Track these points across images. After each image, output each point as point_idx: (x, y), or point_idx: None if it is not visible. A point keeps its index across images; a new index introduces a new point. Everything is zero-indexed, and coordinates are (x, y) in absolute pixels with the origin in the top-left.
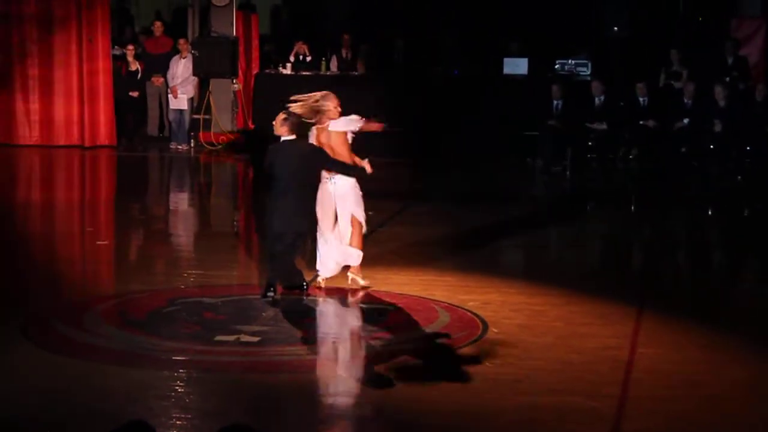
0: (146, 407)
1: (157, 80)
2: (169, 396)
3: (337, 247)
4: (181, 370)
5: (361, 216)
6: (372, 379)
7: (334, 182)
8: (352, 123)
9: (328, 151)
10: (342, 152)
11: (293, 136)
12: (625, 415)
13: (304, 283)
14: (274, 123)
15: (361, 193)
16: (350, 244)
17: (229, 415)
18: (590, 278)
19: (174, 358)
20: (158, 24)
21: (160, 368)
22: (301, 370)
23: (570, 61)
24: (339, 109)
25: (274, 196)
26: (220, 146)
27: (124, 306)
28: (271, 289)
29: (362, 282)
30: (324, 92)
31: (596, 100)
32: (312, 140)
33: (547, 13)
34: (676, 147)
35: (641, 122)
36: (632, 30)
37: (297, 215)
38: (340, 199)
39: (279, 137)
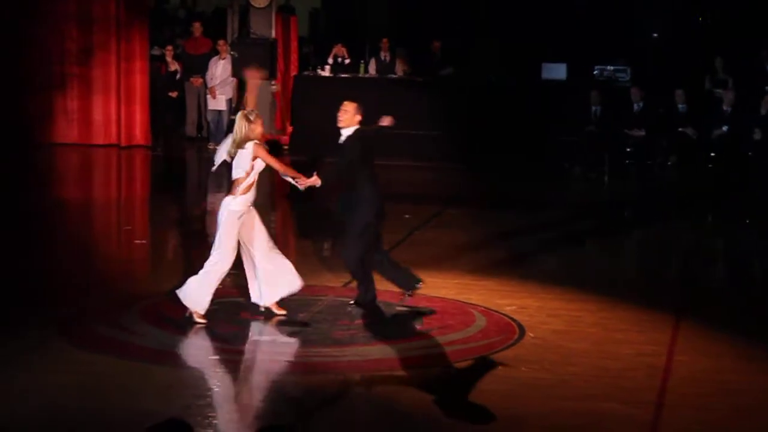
0: (184, 405)
1: (196, 81)
2: (206, 395)
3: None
4: (218, 370)
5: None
6: (408, 381)
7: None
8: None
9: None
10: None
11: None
12: (661, 422)
13: (417, 282)
14: (341, 114)
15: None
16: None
17: (265, 414)
18: (627, 285)
19: (211, 357)
20: (197, 25)
21: (198, 367)
22: (337, 370)
23: (609, 67)
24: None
25: (364, 182)
26: None
27: (161, 305)
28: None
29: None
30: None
31: (635, 106)
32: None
33: (587, 18)
34: (715, 155)
35: (680, 129)
36: (671, 36)
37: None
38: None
39: (341, 131)
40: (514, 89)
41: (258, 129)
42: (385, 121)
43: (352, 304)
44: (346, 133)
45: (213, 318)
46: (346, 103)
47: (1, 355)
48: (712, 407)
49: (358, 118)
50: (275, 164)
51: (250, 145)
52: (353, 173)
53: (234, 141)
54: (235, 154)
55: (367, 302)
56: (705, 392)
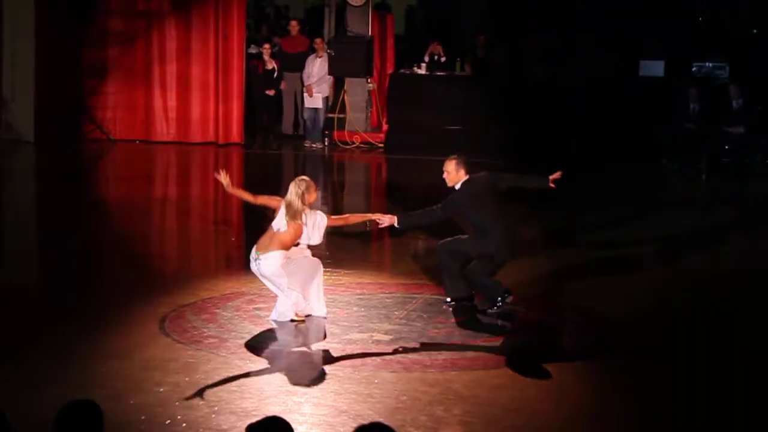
0: (280, 403)
1: (284, 85)
2: (302, 393)
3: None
4: (313, 368)
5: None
6: (504, 379)
7: (259, 262)
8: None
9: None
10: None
11: (467, 176)
12: None
13: (506, 294)
14: (445, 176)
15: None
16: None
17: (362, 413)
18: (726, 285)
19: (307, 354)
20: (294, 23)
21: (293, 365)
22: (433, 369)
23: (707, 64)
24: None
25: (491, 226)
26: (354, 145)
27: (257, 302)
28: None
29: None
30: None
31: (733, 103)
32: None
33: (685, 15)
34: None
35: None
36: None
37: (515, 242)
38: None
39: (453, 187)
40: (613, 85)
41: (311, 197)
42: (555, 175)
43: (448, 302)
44: (456, 187)
45: (308, 316)
46: (445, 163)
47: (104, 350)
48: None
49: (462, 172)
50: (350, 221)
51: (322, 217)
52: (468, 217)
53: (291, 213)
54: (292, 220)
55: (463, 300)
56: None
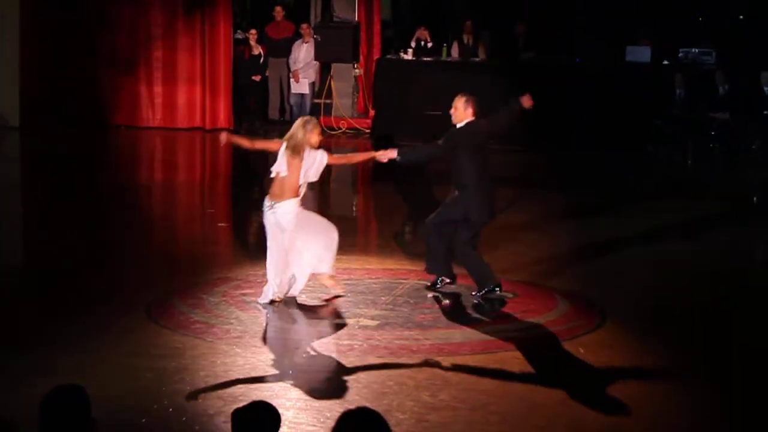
0: (267, 388)
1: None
2: (289, 378)
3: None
4: (300, 353)
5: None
6: (490, 364)
7: (274, 210)
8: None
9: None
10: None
11: (474, 117)
12: None
13: (496, 288)
14: (452, 111)
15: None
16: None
17: (348, 397)
18: (721, 276)
19: (293, 339)
20: (279, 8)
21: (280, 350)
22: (419, 354)
23: (694, 50)
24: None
25: (473, 181)
26: (340, 130)
27: (243, 287)
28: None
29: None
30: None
31: (720, 89)
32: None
33: (672, 1)
34: None
35: (765, 112)
36: (758, 18)
37: (491, 201)
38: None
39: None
40: (599, 71)
41: (315, 138)
42: (526, 101)
43: (429, 286)
44: (459, 125)
45: (295, 301)
46: (455, 99)
47: (90, 336)
48: None
49: (470, 111)
50: (352, 160)
51: (322, 155)
52: (458, 161)
53: (291, 146)
54: (292, 158)
55: (446, 284)
56: None
